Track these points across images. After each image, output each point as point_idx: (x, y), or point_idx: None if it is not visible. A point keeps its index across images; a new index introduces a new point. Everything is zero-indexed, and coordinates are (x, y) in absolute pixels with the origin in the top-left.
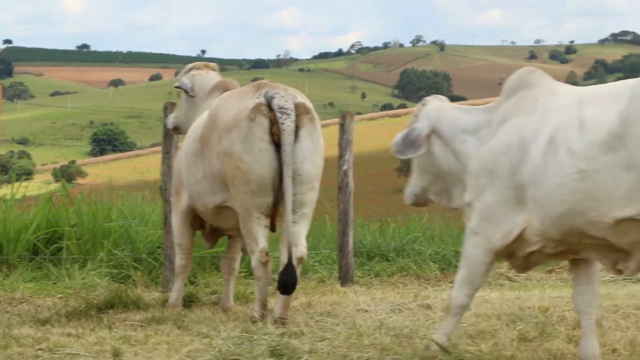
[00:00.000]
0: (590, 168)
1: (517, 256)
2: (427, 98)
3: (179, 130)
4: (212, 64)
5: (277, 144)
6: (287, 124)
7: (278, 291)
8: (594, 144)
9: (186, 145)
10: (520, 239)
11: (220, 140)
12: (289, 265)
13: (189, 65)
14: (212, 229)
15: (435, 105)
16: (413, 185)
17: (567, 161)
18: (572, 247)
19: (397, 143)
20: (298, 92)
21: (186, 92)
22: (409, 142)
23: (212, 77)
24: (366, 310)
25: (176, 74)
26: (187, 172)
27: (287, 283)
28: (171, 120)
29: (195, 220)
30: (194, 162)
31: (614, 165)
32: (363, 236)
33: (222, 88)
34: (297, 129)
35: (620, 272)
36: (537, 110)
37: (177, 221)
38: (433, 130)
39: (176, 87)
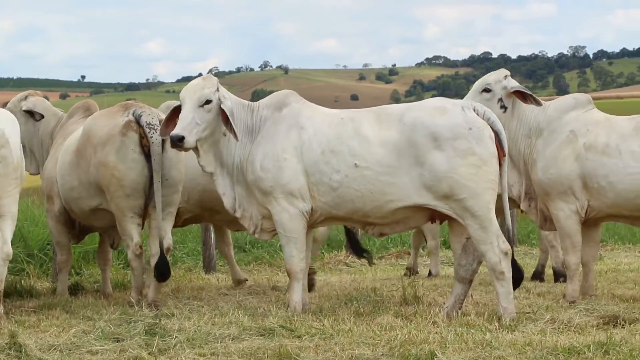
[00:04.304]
0: None
1: None
2: None
3: None
4: (38, 92)
5: (146, 155)
6: (155, 138)
7: (155, 279)
8: None
9: (62, 157)
10: None
11: (95, 153)
12: (162, 257)
13: (23, 94)
14: (81, 227)
15: None
16: None
17: None
18: None
19: None
20: (158, 111)
21: (32, 115)
22: None
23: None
24: (227, 294)
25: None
26: (63, 181)
27: (163, 272)
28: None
29: (67, 221)
30: (69, 172)
31: None
32: None
33: (83, 107)
34: (163, 141)
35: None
36: None
37: (53, 223)
38: None
39: (25, 111)
